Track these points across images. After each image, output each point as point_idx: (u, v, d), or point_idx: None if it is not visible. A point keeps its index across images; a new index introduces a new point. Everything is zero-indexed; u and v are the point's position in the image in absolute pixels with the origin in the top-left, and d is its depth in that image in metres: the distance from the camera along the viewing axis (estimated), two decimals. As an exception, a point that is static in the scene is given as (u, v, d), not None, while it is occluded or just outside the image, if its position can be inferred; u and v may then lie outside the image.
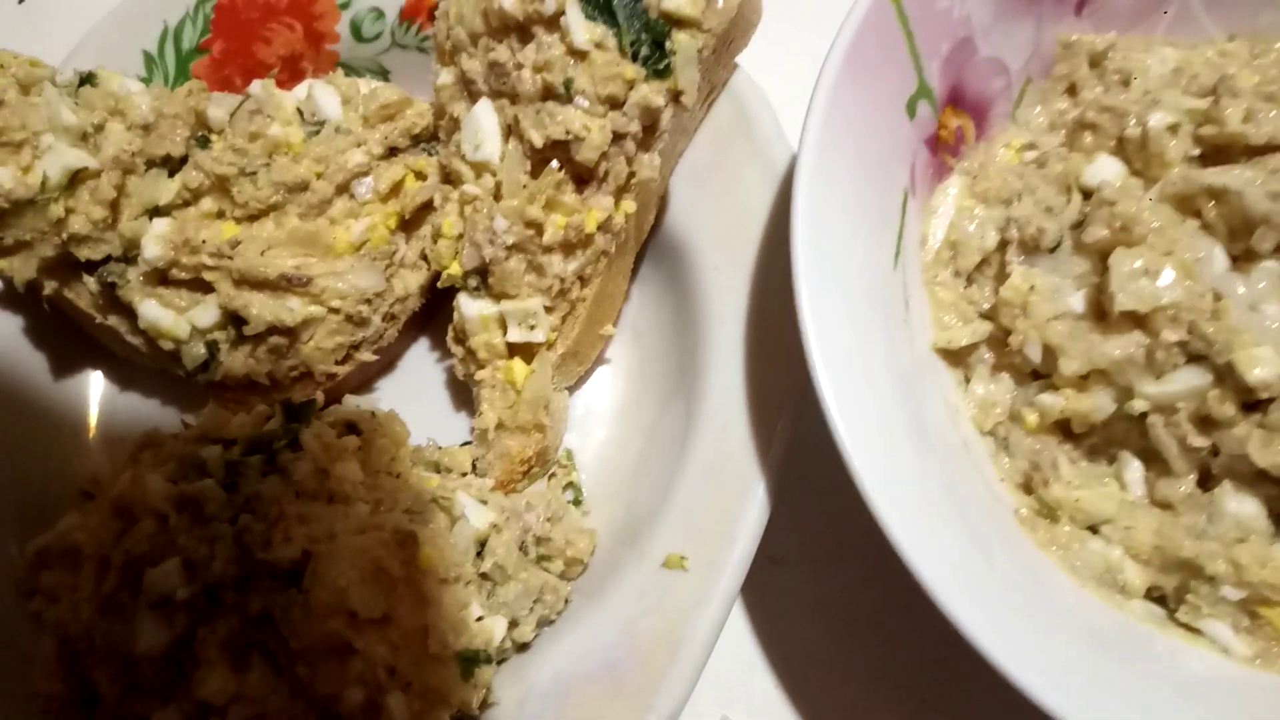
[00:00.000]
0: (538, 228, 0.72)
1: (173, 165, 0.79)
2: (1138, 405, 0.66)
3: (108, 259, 0.77)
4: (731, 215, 0.79)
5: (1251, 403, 0.63)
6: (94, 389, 0.87)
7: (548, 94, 0.72)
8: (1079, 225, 0.71)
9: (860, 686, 0.78)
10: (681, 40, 0.72)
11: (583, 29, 0.70)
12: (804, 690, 0.79)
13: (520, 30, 0.73)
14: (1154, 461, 0.68)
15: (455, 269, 0.75)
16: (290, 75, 0.90)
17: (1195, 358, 0.65)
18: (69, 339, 0.85)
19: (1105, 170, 0.73)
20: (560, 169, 0.73)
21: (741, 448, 0.73)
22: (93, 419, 0.86)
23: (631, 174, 0.74)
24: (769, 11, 0.82)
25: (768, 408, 0.74)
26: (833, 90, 0.67)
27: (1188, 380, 0.65)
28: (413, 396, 0.85)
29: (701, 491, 0.72)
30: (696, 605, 0.68)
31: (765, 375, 0.75)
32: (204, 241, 0.76)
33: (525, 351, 0.76)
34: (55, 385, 0.85)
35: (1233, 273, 0.66)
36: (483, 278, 0.75)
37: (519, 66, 0.72)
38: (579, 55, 0.71)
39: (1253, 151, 0.69)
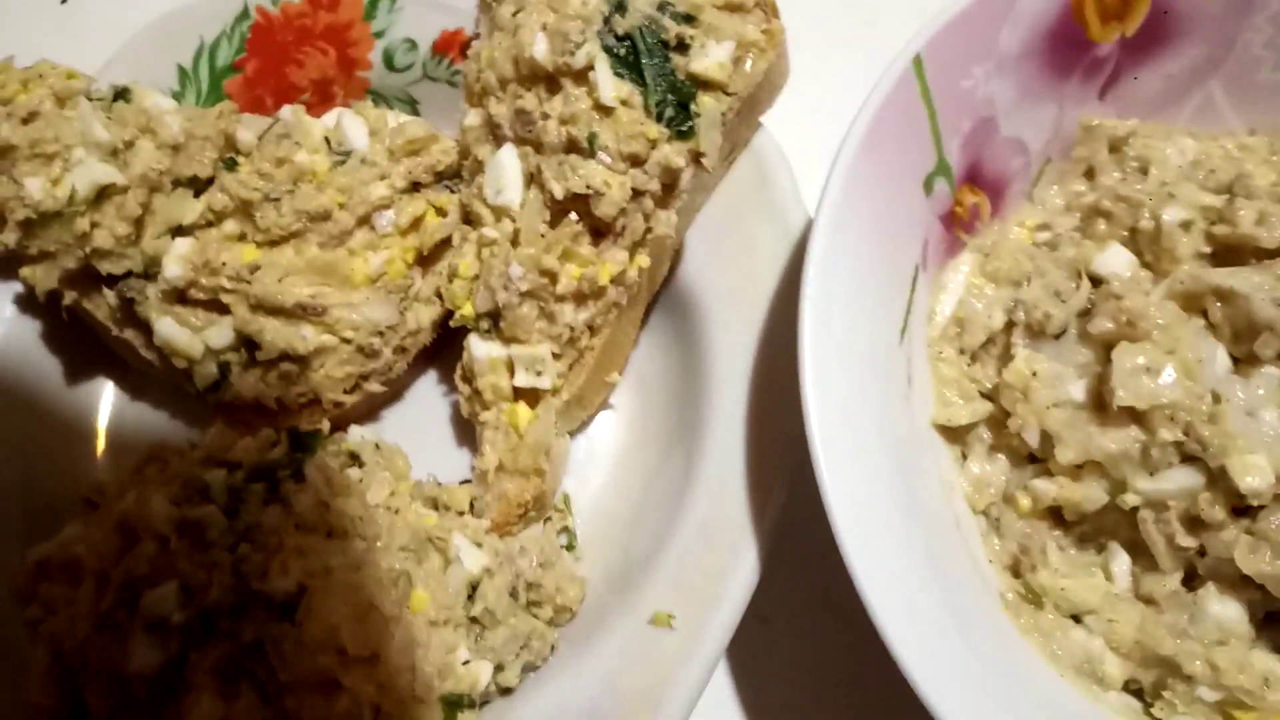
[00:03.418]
0: (552, 277, 0.73)
1: (198, 186, 0.80)
2: (1130, 499, 0.67)
3: (128, 274, 0.78)
4: (744, 275, 0.80)
5: (1242, 508, 0.64)
6: (105, 398, 0.88)
7: (571, 146, 0.73)
8: (1086, 313, 0.72)
9: (839, 750, 0.78)
10: (706, 103, 0.73)
11: (610, 85, 0.72)
12: (783, 749, 0.79)
13: (549, 81, 0.74)
14: (1141, 556, 0.69)
15: (468, 310, 0.76)
16: (320, 99, 0.91)
17: (1190, 458, 0.65)
18: (84, 347, 0.86)
19: (1115, 260, 0.74)
20: (578, 221, 0.74)
21: (737, 509, 0.73)
22: (101, 428, 0.87)
23: (648, 230, 0.75)
24: (796, 74, 0.83)
25: (766, 470, 0.74)
26: (853, 163, 0.68)
27: (1180, 480, 0.65)
28: (416, 429, 0.86)
29: (694, 548, 0.73)
30: (680, 664, 0.69)
31: (765, 437, 0.76)
32: (224, 264, 0.77)
33: (530, 396, 0.77)
34: (67, 391, 0.86)
35: (1233, 375, 0.67)
36: (494, 321, 0.76)
37: (545, 116, 0.73)
38: (605, 111, 0.72)
39: (1263, 254, 0.70)
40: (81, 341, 0.86)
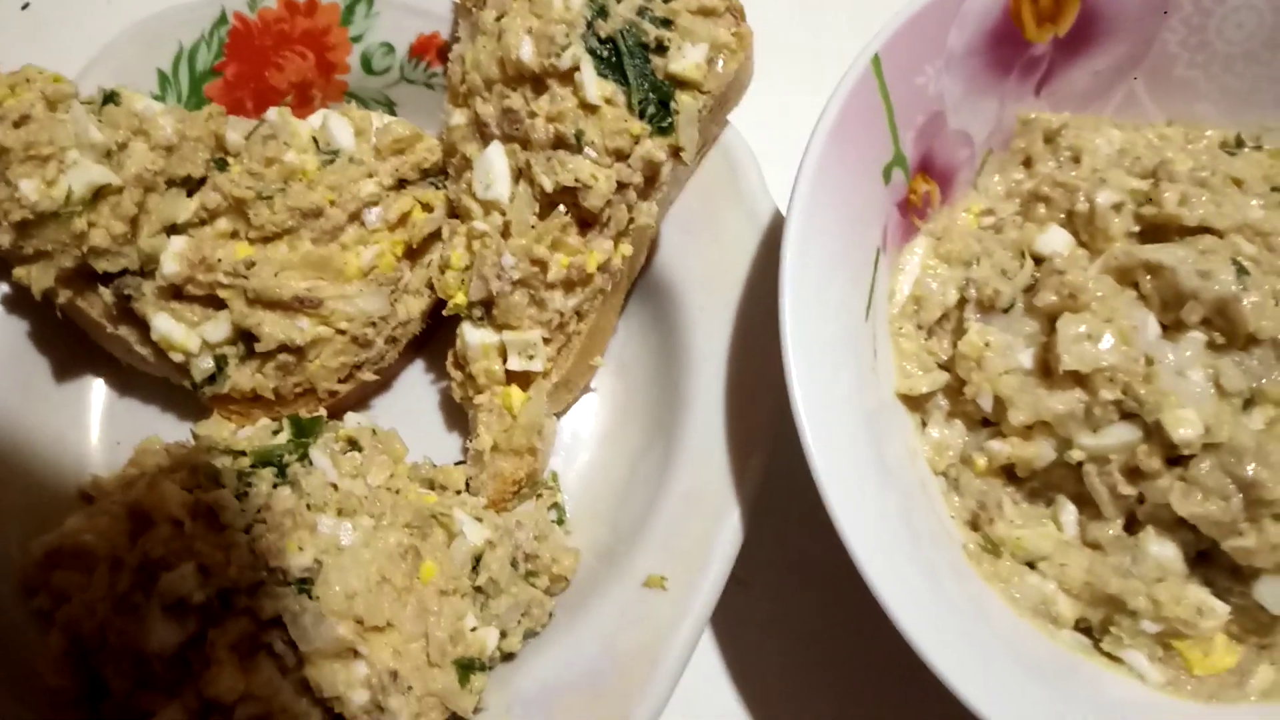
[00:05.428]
0: (543, 265, 0.78)
1: (191, 185, 0.82)
2: (1075, 455, 0.74)
3: (124, 272, 0.80)
4: (717, 261, 0.85)
5: (1175, 457, 0.71)
6: (95, 395, 0.89)
7: (559, 143, 0.77)
8: (1030, 289, 0.79)
9: (817, 703, 0.84)
10: (685, 101, 0.78)
11: (595, 85, 0.76)
12: (763, 705, 0.85)
13: (535, 81, 0.78)
14: (1087, 506, 0.76)
15: (461, 299, 0.80)
16: (300, 101, 0.94)
17: (1128, 415, 0.72)
18: (73, 345, 0.88)
19: (1055, 240, 0.81)
20: (566, 212, 0.78)
21: (719, 477, 0.79)
22: (94, 424, 0.88)
23: (631, 220, 0.80)
24: (758, 75, 0.88)
25: (744, 441, 0.80)
26: (821, 154, 0.73)
27: (1120, 435, 0.72)
28: (407, 415, 0.89)
29: (681, 516, 0.78)
30: (674, 622, 0.74)
31: (743, 411, 0.81)
32: (219, 260, 0.80)
33: (522, 379, 0.81)
34: (58, 389, 0.88)
35: (1163, 340, 0.74)
36: (487, 309, 0.80)
37: (532, 115, 0.78)
38: (590, 109, 0.77)
39: (1185, 231, 0.78)
40: (70, 340, 0.87)
